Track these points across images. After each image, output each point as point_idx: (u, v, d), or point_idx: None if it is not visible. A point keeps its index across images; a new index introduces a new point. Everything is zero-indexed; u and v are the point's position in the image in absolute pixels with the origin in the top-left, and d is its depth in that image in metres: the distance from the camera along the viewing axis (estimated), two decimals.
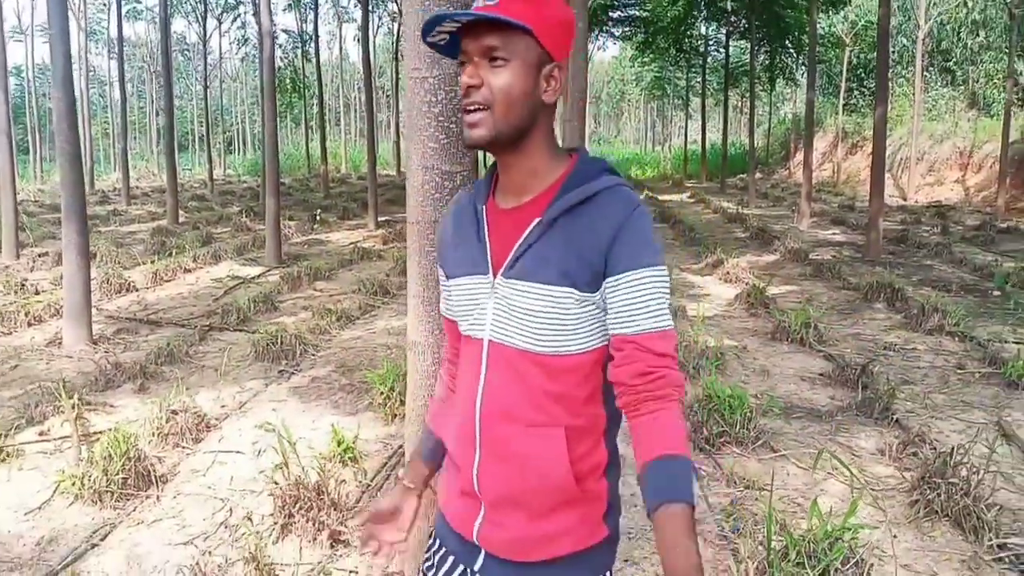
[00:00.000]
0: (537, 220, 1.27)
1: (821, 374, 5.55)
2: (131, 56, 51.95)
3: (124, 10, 29.72)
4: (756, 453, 4.17)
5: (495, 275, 1.31)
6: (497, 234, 1.33)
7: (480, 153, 1.77)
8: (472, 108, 1.23)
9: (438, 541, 1.48)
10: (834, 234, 13.63)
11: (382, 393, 4.75)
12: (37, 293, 8.27)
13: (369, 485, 3.79)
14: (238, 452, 4.29)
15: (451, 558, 1.43)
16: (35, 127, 42.81)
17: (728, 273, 9.07)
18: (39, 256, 10.74)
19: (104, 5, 35.29)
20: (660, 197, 21.16)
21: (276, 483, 3.50)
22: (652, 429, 1.20)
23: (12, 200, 10.52)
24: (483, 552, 1.38)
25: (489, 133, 1.24)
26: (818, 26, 19.42)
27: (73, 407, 4.40)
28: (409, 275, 1.90)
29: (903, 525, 3.40)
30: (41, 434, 4.51)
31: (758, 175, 28.89)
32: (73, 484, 3.71)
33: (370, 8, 17.26)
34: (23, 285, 8.47)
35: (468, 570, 1.41)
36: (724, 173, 25.39)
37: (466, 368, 1.39)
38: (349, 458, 3.99)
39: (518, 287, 1.27)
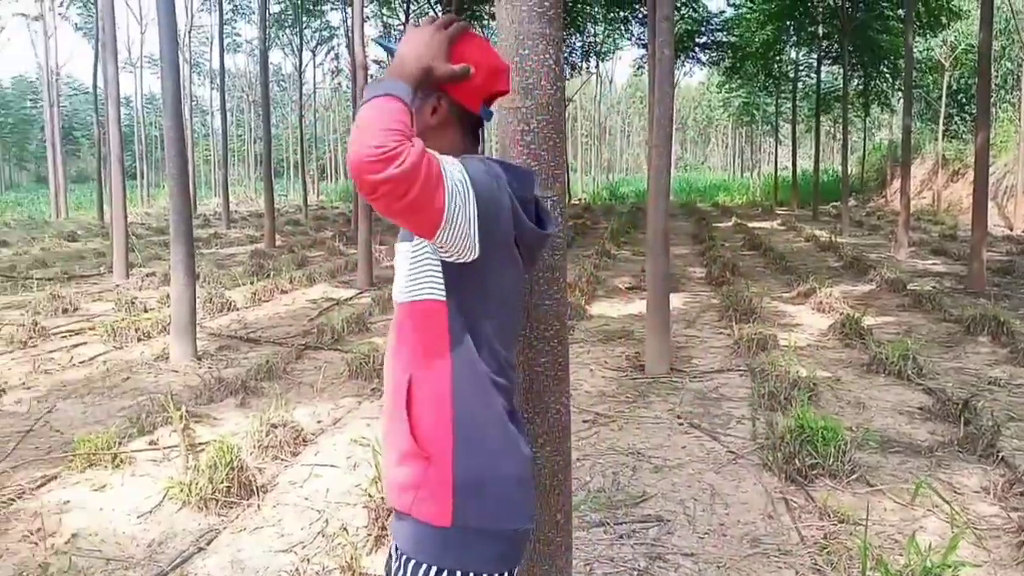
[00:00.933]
0: None
1: (920, 408, 5.35)
2: (231, 87, 54.55)
3: (225, 43, 31.31)
4: (851, 487, 4.06)
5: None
6: None
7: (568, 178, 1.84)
8: None
9: None
10: (934, 264, 13.11)
11: None
12: (145, 311, 8.75)
13: None
14: (333, 466, 4.43)
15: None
16: (143, 154, 45.32)
17: (821, 303, 8.84)
18: (147, 276, 11.36)
19: (207, 38, 37.24)
20: (750, 224, 20.79)
21: (370, 496, 3.62)
22: None
23: (123, 223, 11.19)
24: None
25: None
26: (915, 50, 18.87)
27: (181, 418, 4.64)
28: None
29: (1009, 567, 3.25)
30: (151, 443, 4.77)
31: (852, 203, 28.07)
32: (181, 491, 3.92)
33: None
34: (133, 303, 8.98)
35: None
36: (816, 201, 24.77)
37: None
38: None
39: (401, 247, 1.50)
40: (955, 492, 4.02)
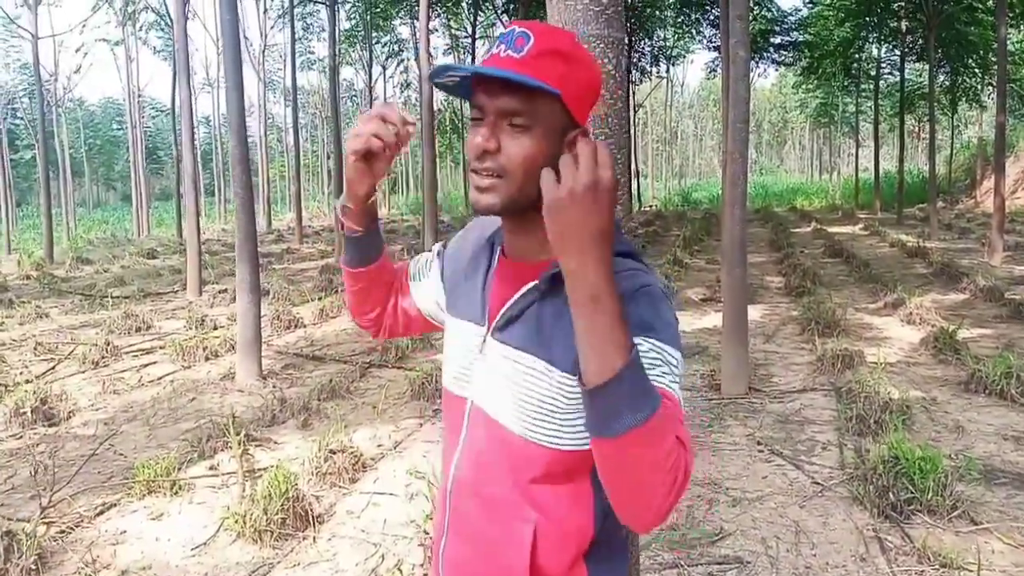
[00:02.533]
0: (532, 283, 1.11)
1: None
2: (305, 103, 55.83)
3: (298, 61, 31.98)
4: (953, 524, 3.66)
5: (488, 330, 1.17)
6: (499, 286, 1.19)
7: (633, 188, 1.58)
8: (480, 171, 1.09)
9: None
10: None
11: None
12: (215, 328, 8.81)
13: None
14: (392, 494, 4.26)
15: None
16: (221, 171, 46.73)
17: (911, 314, 8.29)
18: (219, 292, 11.51)
19: (281, 57, 38.16)
20: (830, 229, 19.98)
21: (426, 532, 3.42)
22: None
23: (196, 242, 11.37)
24: None
25: (500, 202, 1.09)
26: (1008, 42, 17.82)
27: (239, 443, 4.55)
28: None
29: None
30: (211, 468, 4.70)
31: (940, 205, 26.82)
32: (236, 521, 3.80)
33: None
34: (203, 321, 9.07)
35: None
36: (900, 203, 23.70)
37: (448, 425, 1.25)
38: None
39: (503, 351, 1.13)
40: None
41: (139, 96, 35.07)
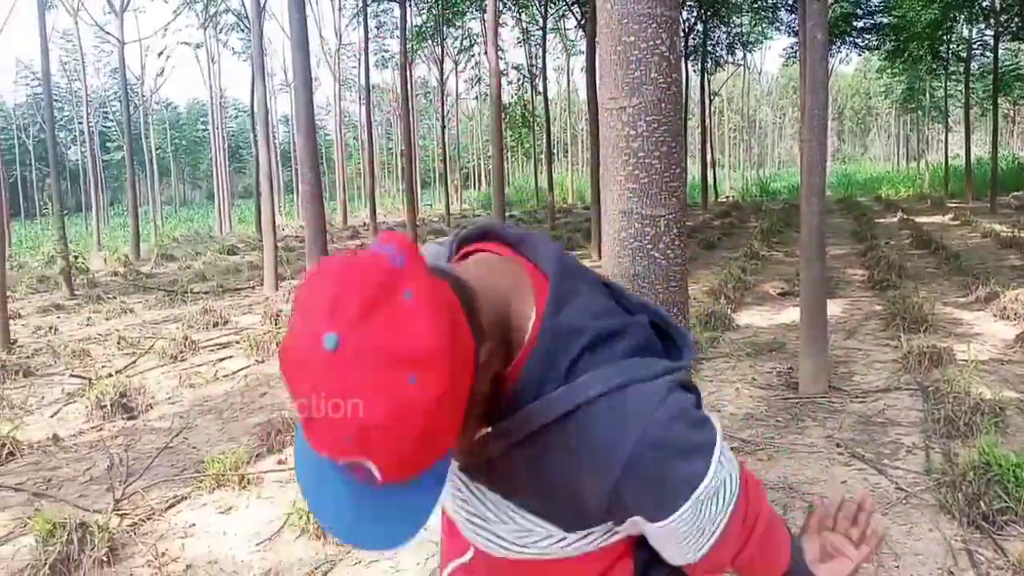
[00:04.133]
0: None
1: None
2: (379, 101, 56.66)
3: (373, 59, 32.44)
4: None
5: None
6: None
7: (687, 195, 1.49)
8: None
9: None
10: None
11: None
12: None
13: None
14: None
15: None
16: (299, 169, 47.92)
17: (1005, 309, 7.79)
18: (294, 288, 11.73)
19: (356, 55, 38.80)
20: (917, 219, 19.12)
21: None
22: None
23: (273, 238, 11.62)
24: None
25: None
26: None
27: None
28: None
29: None
30: (279, 463, 4.75)
31: None
32: (300, 518, 3.81)
33: (596, 38, 17.35)
34: (278, 316, 9.24)
35: None
36: (994, 191, 22.45)
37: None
38: None
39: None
40: None
41: (221, 97, 36.20)
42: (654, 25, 1.58)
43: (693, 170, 31.82)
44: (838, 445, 4.62)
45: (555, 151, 45.89)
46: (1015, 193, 26.42)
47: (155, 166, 39.27)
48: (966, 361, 5.70)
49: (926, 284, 9.94)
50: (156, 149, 44.23)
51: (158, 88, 43.42)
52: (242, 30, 27.83)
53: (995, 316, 7.87)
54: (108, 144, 55.07)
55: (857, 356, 6.66)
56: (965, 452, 4.14)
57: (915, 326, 7.33)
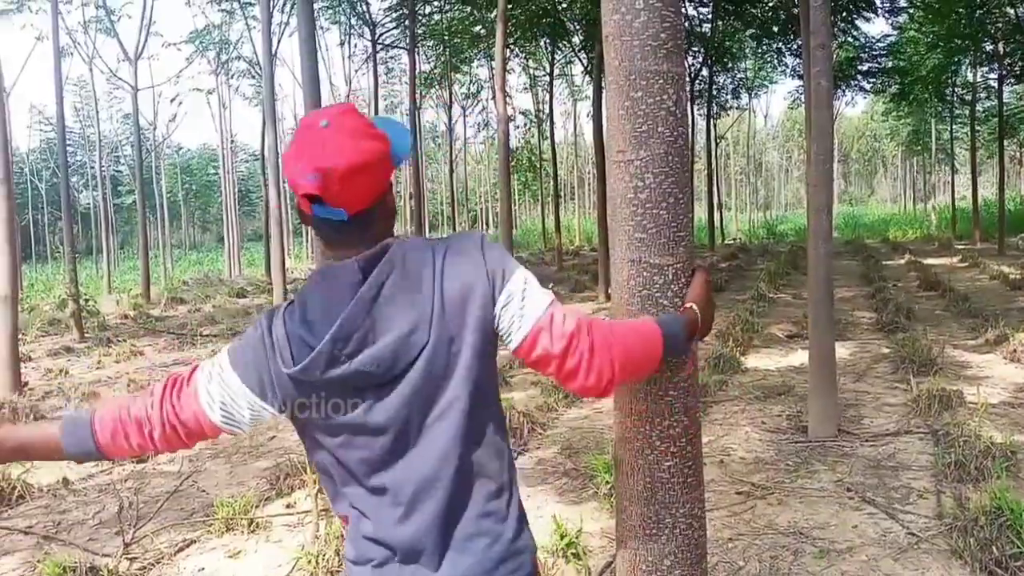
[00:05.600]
0: None
1: None
2: None
3: (382, 105, 32.92)
4: None
5: None
6: None
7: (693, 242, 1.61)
8: None
9: None
10: None
11: (607, 482, 4.49)
12: None
13: None
14: None
15: None
16: None
17: (1015, 351, 7.77)
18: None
19: (366, 101, 39.39)
20: (925, 261, 19.12)
21: None
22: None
23: (282, 280, 11.70)
24: None
25: None
26: None
27: (315, 482, 4.57)
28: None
29: None
30: (288, 506, 4.75)
31: None
32: (309, 562, 3.81)
33: (603, 86, 17.61)
34: None
35: None
36: (1002, 233, 22.48)
37: None
38: (572, 554, 3.75)
39: None
40: None
41: (232, 141, 36.73)
42: (661, 81, 1.63)
43: (700, 212, 31.99)
44: (848, 489, 4.59)
45: (562, 194, 46.20)
46: (1023, 235, 26.44)
47: (166, 210, 39.70)
48: (976, 404, 5.67)
49: (935, 326, 9.93)
50: (167, 193, 44.75)
51: (170, 133, 44.18)
52: (253, 76, 28.36)
53: (1005, 359, 7.84)
54: (120, 188, 55.75)
55: (866, 399, 6.64)
56: (976, 496, 4.12)
57: (924, 369, 7.31)
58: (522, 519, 1.36)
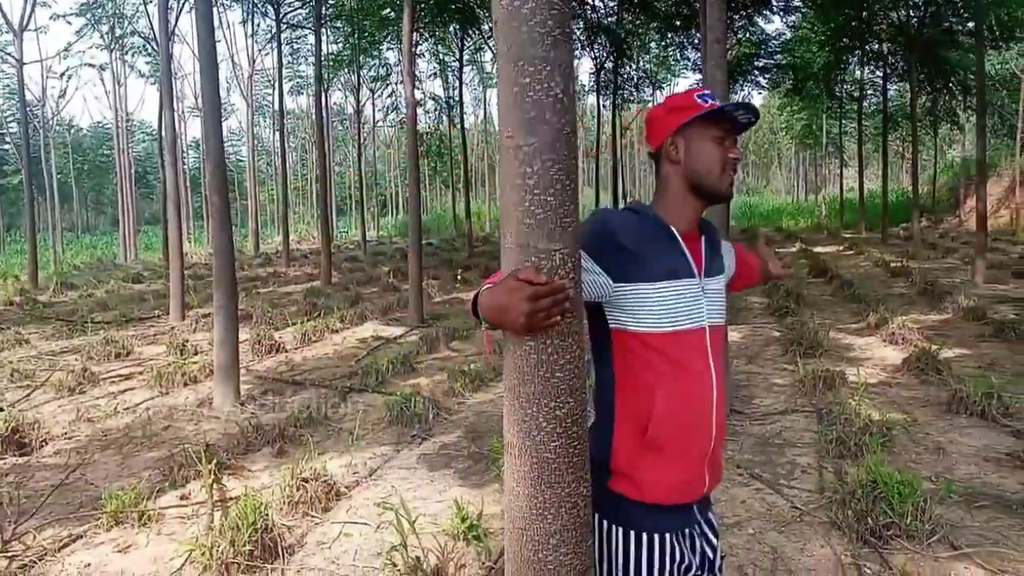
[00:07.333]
0: (704, 237, 1.87)
1: (1009, 454, 4.84)
2: (295, 127, 55.89)
3: (288, 86, 32.06)
4: (932, 550, 3.62)
5: (701, 278, 1.79)
6: (691, 251, 1.80)
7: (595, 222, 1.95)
8: (733, 172, 1.81)
9: (667, 536, 1.74)
10: (1016, 288, 12.31)
11: None
12: (196, 353, 8.72)
13: (492, 567, 3.57)
14: (364, 523, 4.19)
15: (669, 535, 1.74)
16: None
17: (893, 334, 8.28)
18: (202, 317, 11.42)
19: (271, 82, 38.23)
20: (815, 249, 20.06)
21: (395, 565, 3.35)
22: None
23: (180, 265, 11.30)
24: (696, 504, 1.81)
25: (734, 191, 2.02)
26: (989, 64, 17.99)
27: (210, 472, 4.46)
28: (506, 367, 1.69)
29: None
30: (182, 498, 4.61)
31: (924, 224, 26.95)
32: (202, 554, 3.71)
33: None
34: (184, 346, 8.97)
35: (695, 527, 1.81)
36: (885, 223, 23.82)
37: (685, 359, 1.73)
38: (473, 536, 3.79)
39: (715, 284, 1.84)
40: None
41: (128, 120, 35.04)
42: (549, 68, 1.65)
43: (606, 200, 32.51)
44: (738, 466, 4.80)
45: (473, 180, 46.13)
46: (903, 224, 28.05)
47: (56, 191, 37.54)
48: (857, 384, 6.02)
49: (822, 311, 10.44)
50: (58, 173, 42.32)
51: (60, 110, 41.75)
52: (150, 53, 27.12)
53: (884, 341, 8.33)
54: (5, 168, 52.42)
55: (757, 380, 6.94)
56: (855, 471, 4.38)
57: (811, 351, 7.69)
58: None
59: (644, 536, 1.71)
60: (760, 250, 2.29)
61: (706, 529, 1.84)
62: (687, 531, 1.78)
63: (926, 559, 3.54)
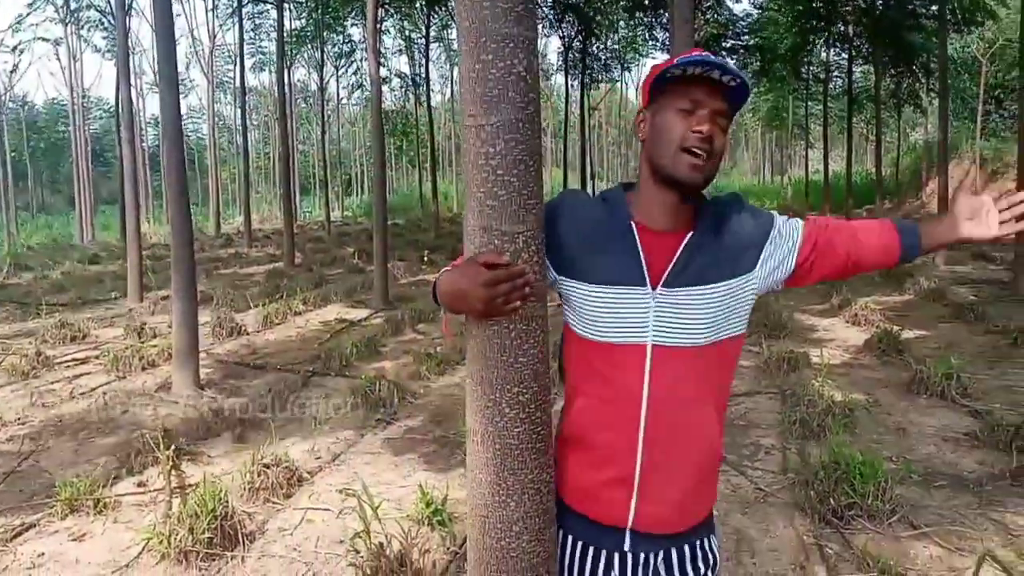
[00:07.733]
0: (687, 242, 1.51)
1: (967, 434, 4.92)
2: (257, 104, 54.92)
3: (251, 62, 31.46)
4: (892, 529, 3.66)
5: (653, 287, 1.49)
6: (650, 251, 1.51)
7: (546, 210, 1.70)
8: (700, 153, 1.46)
9: (570, 537, 1.62)
10: (975, 270, 12.55)
11: None
12: (155, 336, 8.53)
13: (457, 552, 3.53)
14: (327, 509, 4.13)
15: (591, 548, 1.60)
16: None
17: (856, 315, 8.38)
18: (161, 299, 11.18)
19: (232, 57, 37.48)
20: None
21: (357, 551, 3.30)
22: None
23: (137, 245, 11.05)
24: (629, 533, 1.56)
25: (702, 179, 1.49)
26: (951, 47, 18.23)
27: (168, 459, 4.36)
28: (468, 352, 1.64)
29: None
30: (139, 485, 4.51)
31: (887, 205, 27.36)
32: (160, 542, 3.63)
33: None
34: (142, 329, 8.77)
35: (615, 554, 1.57)
36: (849, 204, 24.11)
37: (616, 376, 1.51)
38: (437, 521, 3.75)
39: (684, 294, 1.48)
40: (1010, 534, 3.61)
41: (84, 97, 34.15)
42: (512, 45, 1.59)
43: (574, 181, 32.49)
44: None
45: (440, 160, 45.78)
46: (868, 206, 28.45)
47: (9, 168, 36.52)
48: (820, 365, 6.07)
49: (786, 292, 10.54)
50: (11, 152, 41.20)
51: (13, 85, 40.55)
52: (105, 28, 26.39)
53: (847, 322, 8.43)
54: None
55: None
56: (817, 452, 4.41)
57: (776, 332, 7.75)
58: None
59: (561, 531, 1.65)
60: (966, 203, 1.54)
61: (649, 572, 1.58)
62: (614, 554, 1.58)
63: (887, 538, 3.58)
